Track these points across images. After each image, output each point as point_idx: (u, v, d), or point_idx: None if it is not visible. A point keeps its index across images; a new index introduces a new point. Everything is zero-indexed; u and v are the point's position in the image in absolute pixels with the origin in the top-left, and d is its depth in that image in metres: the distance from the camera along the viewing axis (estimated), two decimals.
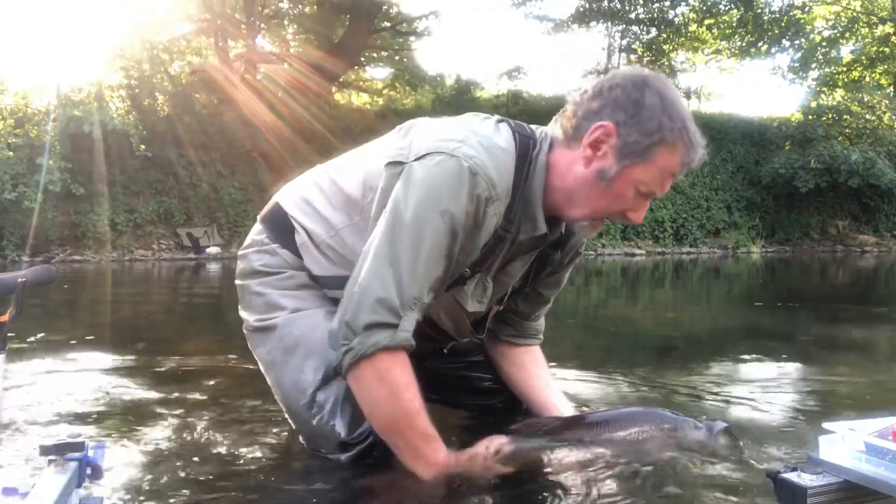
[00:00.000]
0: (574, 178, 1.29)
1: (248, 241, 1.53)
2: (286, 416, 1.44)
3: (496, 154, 1.26)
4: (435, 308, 1.34)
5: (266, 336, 1.43)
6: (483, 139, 1.27)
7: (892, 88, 19.05)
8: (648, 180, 1.26)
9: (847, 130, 16.94)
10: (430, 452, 1.22)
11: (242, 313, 1.51)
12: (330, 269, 1.41)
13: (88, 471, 0.86)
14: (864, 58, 19.68)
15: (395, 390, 1.20)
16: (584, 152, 1.26)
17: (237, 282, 1.52)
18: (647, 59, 19.97)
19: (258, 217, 1.55)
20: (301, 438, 1.41)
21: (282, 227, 1.46)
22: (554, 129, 1.34)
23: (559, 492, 1.23)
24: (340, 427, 1.31)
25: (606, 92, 1.26)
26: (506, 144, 1.29)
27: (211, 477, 1.29)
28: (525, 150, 1.31)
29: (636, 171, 1.25)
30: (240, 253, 1.53)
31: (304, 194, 1.47)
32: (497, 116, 1.39)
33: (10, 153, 11.28)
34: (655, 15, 19.18)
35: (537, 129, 1.37)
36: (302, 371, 1.35)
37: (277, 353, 1.40)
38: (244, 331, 1.51)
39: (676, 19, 19.55)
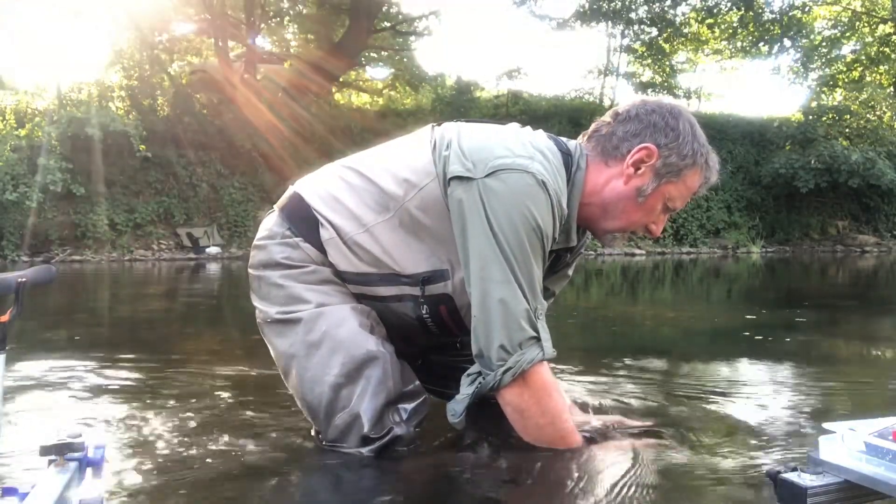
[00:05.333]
0: (613, 193, 1.42)
1: (265, 231, 1.51)
2: (302, 409, 1.44)
3: (555, 172, 1.34)
4: (465, 307, 1.38)
5: (288, 329, 1.43)
6: (542, 155, 1.34)
7: (892, 88, 19.04)
8: (676, 196, 1.43)
9: (847, 130, 16.93)
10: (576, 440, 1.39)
11: (259, 304, 1.49)
12: (358, 266, 1.42)
13: (88, 471, 0.86)
14: (864, 58, 19.67)
15: (560, 405, 1.36)
16: (625, 170, 1.40)
17: (253, 272, 1.51)
18: (648, 58, 19.96)
19: (276, 206, 1.53)
20: (318, 432, 1.42)
21: (304, 221, 1.45)
22: (586, 145, 1.46)
23: (562, 489, 1.23)
24: (365, 421, 1.33)
25: (644, 116, 1.41)
26: (557, 162, 1.37)
27: (216, 475, 1.28)
28: (567, 167, 1.40)
29: (669, 188, 1.41)
30: (257, 243, 1.51)
31: (329, 189, 1.46)
32: (540, 130, 1.47)
33: (15, 154, 11.29)
34: (656, 14, 19.17)
35: (570, 143, 1.46)
36: (327, 366, 1.37)
37: (300, 346, 1.40)
38: (259, 321, 1.50)
39: (677, 19, 19.55)
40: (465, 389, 1.36)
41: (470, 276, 1.31)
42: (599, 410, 1.71)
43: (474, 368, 1.36)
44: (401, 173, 1.39)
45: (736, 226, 16.84)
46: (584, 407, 1.67)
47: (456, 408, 1.36)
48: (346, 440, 1.35)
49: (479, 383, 1.33)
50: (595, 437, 1.43)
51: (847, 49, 19.92)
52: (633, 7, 19.04)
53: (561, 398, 1.39)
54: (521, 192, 1.28)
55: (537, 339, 1.31)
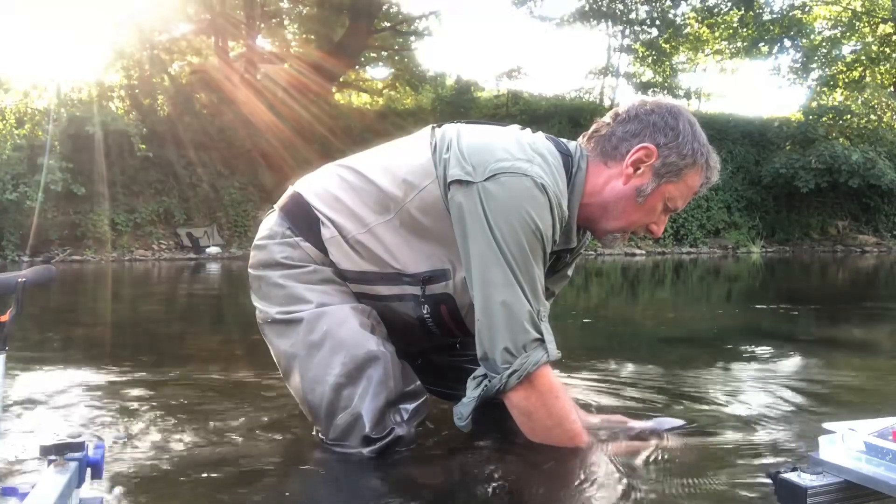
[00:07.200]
0: (612, 193, 1.42)
1: (266, 230, 1.51)
2: (303, 409, 1.44)
3: (555, 174, 1.35)
4: (466, 307, 1.39)
5: (289, 329, 1.43)
6: (541, 157, 1.34)
7: (892, 88, 19.05)
8: (677, 196, 1.43)
9: (847, 130, 16.94)
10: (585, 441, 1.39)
11: (259, 304, 1.49)
12: (360, 265, 1.42)
13: (88, 471, 0.86)
14: (864, 58, 19.67)
15: (567, 407, 1.37)
16: (625, 170, 1.40)
17: (253, 272, 1.51)
18: (649, 58, 19.96)
19: (276, 206, 1.53)
20: (319, 433, 1.42)
21: (305, 220, 1.46)
22: (586, 146, 1.46)
23: (567, 490, 1.23)
24: (367, 421, 1.33)
25: (644, 116, 1.41)
26: (557, 164, 1.37)
27: (216, 475, 1.28)
28: (567, 169, 1.40)
29: (669, 188, 1.41)
30: (257, 243, 1.51)
31: (330, 189, 1.46)
32: (540, 132, 1.48)
33: (17, 154, 11.30)
34: (657, 15, 19.18)
35: (570, 144, 1.47)
36: (329, 366, 1.37)
37: (301, 346, 1.40)
38: (259, 322, 1.50)
39: (677, 19, 19.56)
40: (471, 392, 1.36)
41: (472, 279, 1.31)
42: (602, 411, 1.71)
43: (479, 371, 1.35)
44: (400, 174, 1.40)
45: (736, 226, 16.85)
46: (586, 407, 1.67)
47: (462, 411, 1.36)
48: (348, 440, 1.35)
49: (485, 386, 1.33)
50: (599, 438, 1.43)
51: (847, 49, 19.95)
52: (634, 7, 19.06)
53: (567, 399, 1.39)
54: (521, 195, 1.28)
55: (541, 340, 1.31)
